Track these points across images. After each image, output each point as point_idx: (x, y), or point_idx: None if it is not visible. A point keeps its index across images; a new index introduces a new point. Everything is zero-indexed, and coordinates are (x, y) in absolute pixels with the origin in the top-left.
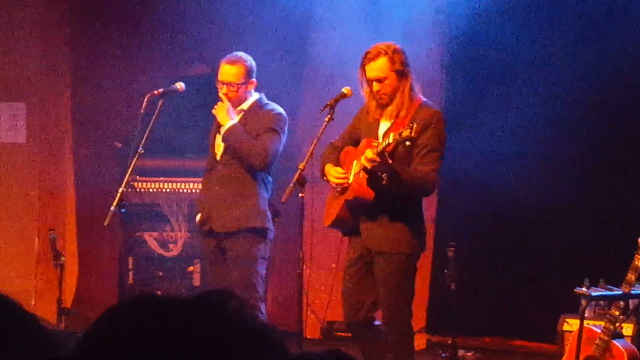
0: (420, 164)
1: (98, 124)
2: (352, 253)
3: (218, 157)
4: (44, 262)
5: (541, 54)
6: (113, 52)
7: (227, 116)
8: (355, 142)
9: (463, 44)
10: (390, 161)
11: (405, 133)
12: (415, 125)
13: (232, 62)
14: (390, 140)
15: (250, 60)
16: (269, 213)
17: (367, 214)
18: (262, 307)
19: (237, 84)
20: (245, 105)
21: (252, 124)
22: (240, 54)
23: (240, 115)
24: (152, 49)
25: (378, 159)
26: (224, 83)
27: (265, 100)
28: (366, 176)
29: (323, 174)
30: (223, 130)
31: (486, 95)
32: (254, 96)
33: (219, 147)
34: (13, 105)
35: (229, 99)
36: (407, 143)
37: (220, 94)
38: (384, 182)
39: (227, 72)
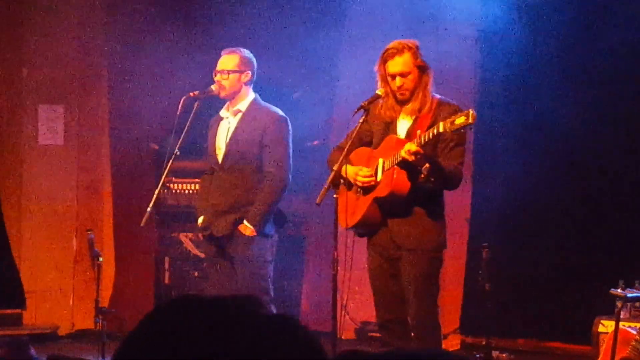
0: (447, 158)
1: (135, 126)
2: (375, 254)
3: (219, 161)
4: (82, 262)
5: (575, 53)
6: (150, 55)
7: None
8: (366, 143)
9: (496, 44)
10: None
11: (460, 120)
12: (472, 112)
13: (228, 52)
14: (440, 129)
15: (247, 53)
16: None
17: (396, 212)
18: (274, 308)
19: (230, 71)
20: (242, 106)
21: (254, 125)
22: (240, 48)
23: (238, 116)
24: (190, 51)
25: (422, 151)
26: (218, 72)
27: (261, 100)
28: (401, 171)
29: (339, 177)
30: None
31: (519, 93)
32: (251, 96)
33: (220, 150)
34: (51, 107)
35: (223, 89)
36: (462, 130)
37: (215, 85)
38: (423, 175)
39: (222, 60)
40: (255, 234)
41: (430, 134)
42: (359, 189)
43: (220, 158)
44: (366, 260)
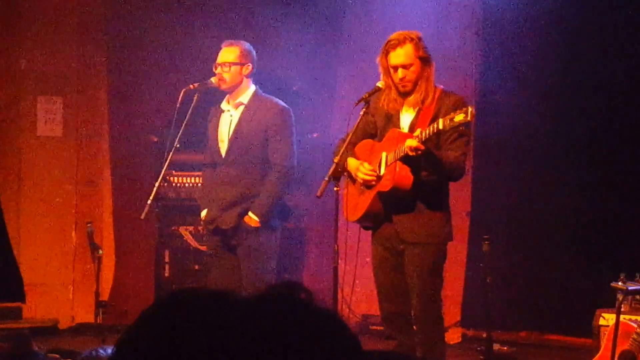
0: (450, 149)
1: (134, 118)
2: (379, 247)
3: (223, 155)
4: (82, 255)
5: (578, 43)
6: (149, 47)
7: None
8: (370, 135)
9: (497, 32)
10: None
11: (459, 118)
12: (471, 109)
13: (228, 44)
14: (440, 126)
15: (247, 45)
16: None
17: (400, 205)
18: None
19: (231, 63)
20: (244, 99)
21: (257, 117)
22: (240, 40)
23: (241, 108)
24: (188, 43)
25: (423, 147)
26: (218, 64)
27: (262, 92)
28: (404, 166)
29: (343, 169)
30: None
31: (521, 85)
32: (252, 88)
33: (223, 143)
34: (50, 99)
35: (224, 81)
36: (461, 128)
37: (215, 77)
38: (423, 169)
39: (223, 53)
40: (259, 225)
41: (431, 131)
42: (361, 184)
43: (223, 151)
44: (368, 253)
